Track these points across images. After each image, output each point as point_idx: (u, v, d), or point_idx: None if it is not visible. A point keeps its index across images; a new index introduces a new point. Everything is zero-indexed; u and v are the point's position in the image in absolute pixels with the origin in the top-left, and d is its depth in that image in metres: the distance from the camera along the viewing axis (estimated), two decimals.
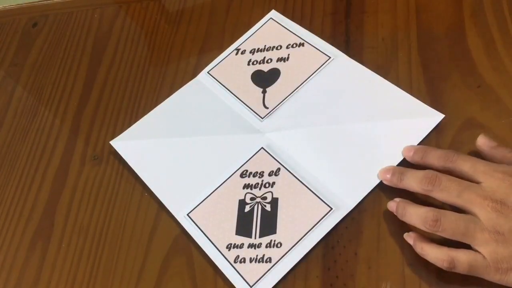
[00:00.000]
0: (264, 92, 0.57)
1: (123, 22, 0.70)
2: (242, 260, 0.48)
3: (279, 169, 0.52)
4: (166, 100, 0.60)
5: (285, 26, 0.62)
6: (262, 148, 0.54)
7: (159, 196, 0.53)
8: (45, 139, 0.62)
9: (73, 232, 0.55)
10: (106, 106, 0.63)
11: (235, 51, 0.61)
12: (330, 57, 0.57)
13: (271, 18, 0.63)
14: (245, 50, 0.61)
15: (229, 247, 0.49)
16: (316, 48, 0.59)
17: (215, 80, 0.60)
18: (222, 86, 0.59)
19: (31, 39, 0.73)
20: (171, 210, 0.52)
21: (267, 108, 0.56)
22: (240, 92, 0.58)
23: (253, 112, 0.56)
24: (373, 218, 0.48)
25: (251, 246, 0.48)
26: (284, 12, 0.63)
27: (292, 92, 0.56)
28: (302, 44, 0.59)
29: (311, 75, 0.57)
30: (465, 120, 0.51)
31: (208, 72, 0.61)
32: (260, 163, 0.53)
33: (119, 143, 0.58)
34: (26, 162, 0.61)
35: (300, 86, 0.57)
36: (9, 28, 0.75)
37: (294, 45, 0.60)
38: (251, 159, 0.53)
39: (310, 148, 0.53)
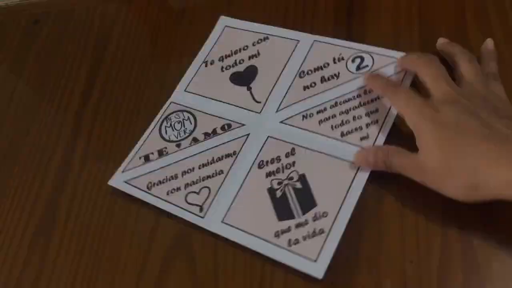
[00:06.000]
0: (249, 89, 0.58)
1: (125, 18, 0.70)
2: (296, 242, 0.47)
3: (293, 148, 0.53)
4: (151, 124, 0.59)
5: (243, 28, 0.63)
6: (268, 136, 0.54)
7: (184, 217, 0.52)
8: (47, 136, 0.62)
9: (74, 229, 0.55)
10: (108, 103, 0.63)
11: (204, 64, 0.62)
12: (298, 40, 0.59)
13: (226, 26, 0.64)
14: (213, 60, 0.62)
15: (277, 234, 0.48)
16: (281, 37, 0.60)
17: (196, 95, 0.60)
18: (206, 98, 0.59)
19: (33, 36, 0.73)
20: (201, 225, 0.51)
21: (259, 102, 0.57)
22: (227, 96, 0.58)
23: (248, 110, 0.57)
24: (374, 216, 0.48)
25: (298, 225, 0.48)
26: (285, 10, 0.63)
27: (276, 81, 0.57)
28: (267, 38, 0.61)
29: (287, 61, 0.58)
30: None
31: (185, 90, 0.60)
32: (273, 149, 0.53)
33: (118, 181, 0.56)
34: (28, 159, 0.61)
35: (281, 74, 0.58)
36: (10, 25, 0.75)
37: (260, 41, 0.61)
38: (262, 150, 0.54)
39: (314, 121, 0.54)
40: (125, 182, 0.55)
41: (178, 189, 0.53)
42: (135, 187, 0.55)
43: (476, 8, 0.57)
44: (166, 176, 0.55)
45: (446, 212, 0.46)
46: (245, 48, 0.61)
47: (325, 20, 0.61)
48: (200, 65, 0.62)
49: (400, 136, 0.50)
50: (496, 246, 0.44)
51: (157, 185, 0.54)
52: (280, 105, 0.56)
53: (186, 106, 0.59)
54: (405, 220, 0.47)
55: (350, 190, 0.49)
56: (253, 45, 0.61)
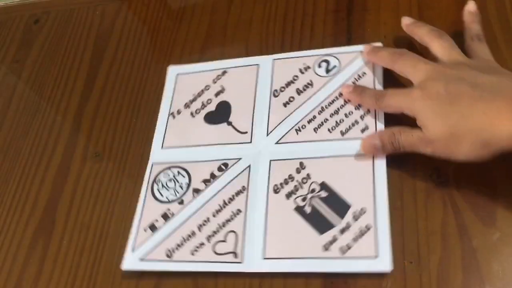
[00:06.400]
0: (229, 123, 0.56)
1: (125, 18, 0.70)
2: (348, 247, 0.46)
3: (301, 163, 0.52)
4: (142, 192, 0.55)
5: (196, 71, 0.61)
6: (270, 161, 0.53)
7: (220, 270, 0.48)
8: (47, 136, 0.62)
9: (75, 229, 0.55)
10: (108, 103, 0.63)
11: (170, 116, 0.59)
12: (258, 64, 0.59)
13: (177, 74, 0.62)
14: (179, 110, 0.59)
15: (326, 248, 0.47)
16: (239, 66, 0.60)
17: (176, 148, 0.57)
18: (188, 147, 0.56)
19: (33, 35, 0.73)
20: (242, 270, 0.48)
21: (245, 132, 0.55)
22: (209, 138, 0.56)
23: (238, 144, 0.55)
24: None
25: (343, 231, 0.47)
26: (286, 10, 0.63)
27: (254, 108, 0.56)
28: (225, 71, 0.60)
29: (255, 86, 0.58)
30: None
31: (162, 148, 0.57)
32: (281, 171, 0.52)
33: (132, 262, 0.51)
34: (28, 158, 0.61)
35: (255, 99, 0.57)
36: (10, 24, 0.75)
37: (219, 76, 0.60)
38: (270, 175, 0.52)
39: (309, 131, 0.53)
40: (141, 260, 0.50)
41: (202, 244, 0.50)
42: (154, 260, 0.50)
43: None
44: (183, 237, 0.51)
45: (446, 212, 0.46)
46: (207, 88, 0.59)
47: (325, 22, 0.61)
48: (168, 118, 0.59)
49: (397, 117, 0.50)
50: (496, 246, 0.44)
51: (177, 249, 0.50)
52: (268, 128, 0.55)
53: (170, 162, 0.56)
54: (405, 220, 0.47)
55: (375, 179, 0.48)
56: (214, 82, 0.60)
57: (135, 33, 0.68)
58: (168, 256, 0.50)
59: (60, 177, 0.59)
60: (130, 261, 0.50)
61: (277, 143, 0.54)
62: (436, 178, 0.48)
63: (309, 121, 0.54)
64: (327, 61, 0.57)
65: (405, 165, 0.49)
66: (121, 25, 0.70)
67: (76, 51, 0.69)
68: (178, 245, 0.50)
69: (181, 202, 0.53)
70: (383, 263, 0.44)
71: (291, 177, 0.51)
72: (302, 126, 0.54)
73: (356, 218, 0.47)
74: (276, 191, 0.51)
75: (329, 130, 0.53)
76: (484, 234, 0.45)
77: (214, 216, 0.51)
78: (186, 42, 0.65)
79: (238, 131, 0.56)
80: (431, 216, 0.47)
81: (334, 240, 0.47)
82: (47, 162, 0.60)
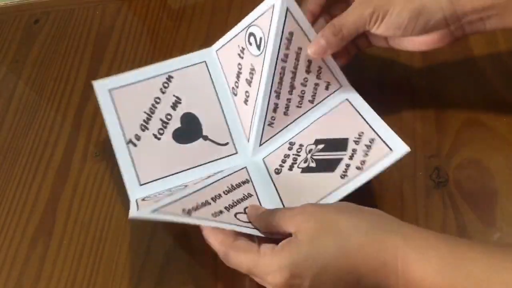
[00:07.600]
0: (206, 138, 0.52)
1: (125, 18, 0.70)
2: (363, 162, 0.46)
3: (290, 142, 0.52)
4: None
5: (134, 81, 0.54)
6: (263, 159, 0.52)
7: (250, 232, 0.44)
8: (47, 136, 0.62)
9: (75, 228, 0.55)
10: None
11: (131, 145, 0.51)
12: (204, 61, 0.55)
13: (109, 89, 0.54)
14: (137, 135, 0.52)
15: (343, 175, 0.47)
16: (185, 67, 0.54)
17: (158, 180, 0.51)
18: (173, 175, 0.51)
19: (33, 35, 0.73)
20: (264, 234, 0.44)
21: (227, 143, 0.53)
22: (193, 160, 0.51)
23: (223, 158, 0.52)
24: None
25: (352, 156, 0.47)
26: None
27: (224, 114, 0.53)
28: (171, 77, 0.54)
29: (214, 89, 0.54)
30: (467, 119, 0.51)
31: (140, 185, 0.50)
32: (275, 158, 0.52)
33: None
34: (28, 158, 0.61)
35: (221, 103, 0.54)
36: (10, 24, 0.75)
37: (166, 84, 0.53)
38: (268, 168, 0.51)
39: (280, 120, 0.52)
40: (153, 211, 0.42)
41: (221, 212, 0.45)
42: (170, 214, 0.42)
43: None
44: (197, 203, 0.44)
45: (446, 212, 0.46)
46: (158, 101, 0.52)
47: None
48: (128, 147, 0.51)
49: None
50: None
51: (195, 210, 0.44)
52: (245, 133, 0.53)
53: (156, 192, 0.50)
54: (405, 220, 0.47)
55: (361, 112, 0.49)
56: (163, 92, 0.52)
57: (135, 33, 0.68)
58: (186, 212, 0.43)
59: (60, 177, 0.59)
60: (140, 210, 0.44)
61: (261, 145, 0.52)
62: (436, 178, 0.48)
63: (274, 110, 0.51)
64: (252, 34, 0.51)
65: (405, 165, 0.49)
66: (121, 25, 0.70)
67: (76, 51, 0.69)
68: (194, 208, 0.44)
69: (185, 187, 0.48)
70: (400, 149, 0.45)
71: (286, 156, 0.51)
72: (271, 118, 0.51)
73: (357, 142, 0.48)
74: (278, 173, 0.50)
75: (297, 106, 0.52)
76: (484, 234, 0.45)
77: (226, 194, 0.47)
78: (186, 42, 0.65)
79: (218, 143, 0.52)
80: (431, 216, 0.47)
81: (347, 166, 0.47)
82: (47, 162, 0.60)
